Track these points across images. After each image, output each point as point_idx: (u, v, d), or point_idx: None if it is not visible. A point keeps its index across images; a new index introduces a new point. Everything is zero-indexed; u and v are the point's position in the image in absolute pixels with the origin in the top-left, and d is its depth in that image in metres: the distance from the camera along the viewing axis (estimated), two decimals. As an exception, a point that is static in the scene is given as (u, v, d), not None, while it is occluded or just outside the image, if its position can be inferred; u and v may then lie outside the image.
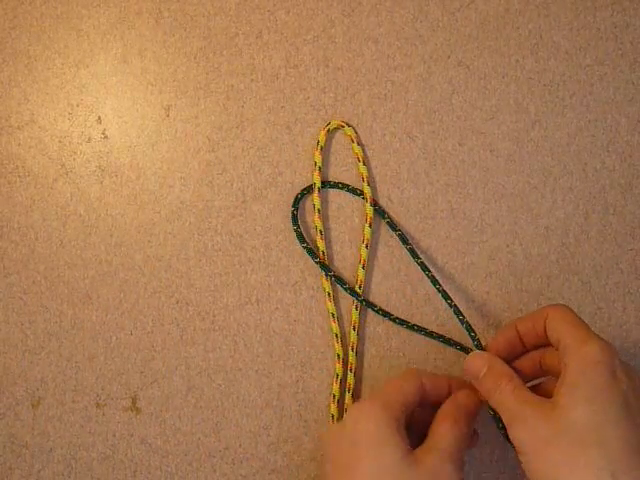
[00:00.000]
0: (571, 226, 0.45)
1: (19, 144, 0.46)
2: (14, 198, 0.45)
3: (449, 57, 0.46)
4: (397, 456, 0.33)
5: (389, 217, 0.44)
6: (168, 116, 0.46)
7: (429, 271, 0.42)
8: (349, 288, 0.43)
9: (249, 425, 0.44)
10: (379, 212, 0.44)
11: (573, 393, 0.32)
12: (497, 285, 0.45)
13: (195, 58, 0.46)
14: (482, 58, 0.46)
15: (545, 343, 0.37)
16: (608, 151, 0.46)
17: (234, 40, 0.46)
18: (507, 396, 0.35)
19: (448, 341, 0.44)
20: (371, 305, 0.44)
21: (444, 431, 0.35)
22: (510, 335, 0.38)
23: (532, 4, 0.46)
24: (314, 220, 0.44)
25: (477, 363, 0.37)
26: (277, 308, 0.45)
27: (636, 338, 0.45)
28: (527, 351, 0.39)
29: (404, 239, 0.44)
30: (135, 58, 0.46)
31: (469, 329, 0.40)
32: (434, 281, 0.42)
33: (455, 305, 0.41)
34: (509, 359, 0.38)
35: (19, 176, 0.45)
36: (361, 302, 0.44)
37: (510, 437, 0.34)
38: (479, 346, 0.40)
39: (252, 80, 0.46)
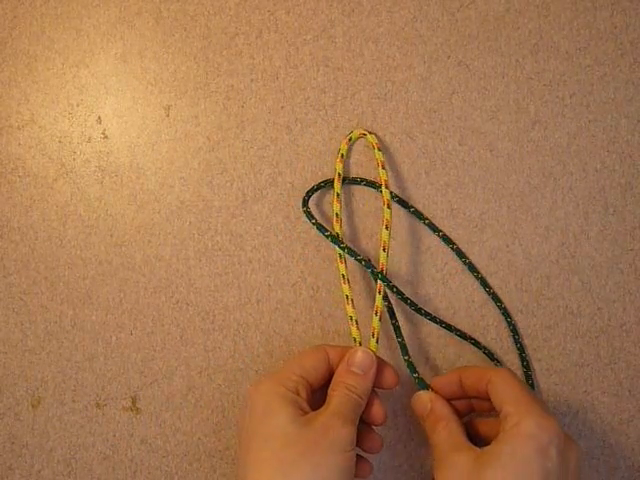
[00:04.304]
0: (571, 226, 0.45)
1: (19, 144, 0.46)
2: (14, 198, 0.45)
3: (449, 57, 0.46)
4: (285, 421, 0.35)
5: (415, 208, 0.45)
6: (168, 116, 0.46)
7: (477, 272, 0.45)
8: (363, 259, 0.41)
9: (249, 425, 0.44)
10: (403, 204, 0.45)
11: (499, 457, 0.34)
12: (497, 285, 0.45)
13: (195, 58, 0.46)
14: (482, 58, 0.46)
15: (485, 398, 0.39)
16: (608, 151, 0.46)
17: (234, 40, 0.46)
18: (441, 440, 0.37)
19: (464, 335, 0.44)
20: (395, 288, 0.42)
21: (335, 394, 0.37)
22: (452, 381, 0.40)
23: (532, 4, 0.46)
24: (333, 227, 0.43)
25: (420, 403, 0.40)
26: (277, 308, 0.45)
27: (636, 338, 0.45)
28: (466, 396, 0.41)
29: (434, 228, 0.45)
30: (135, 58, 0.46)
31: (412, 369, 0.41)
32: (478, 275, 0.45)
33: (402, 342, 0.41)
34: (451, 398, 0.40)
35: (19, 176, 0.45)
36: (382, 281, 0.41)
37: (435, 477, 0.36)
38: (422, 383, 0.40)
39: (252, 80, 0.46)
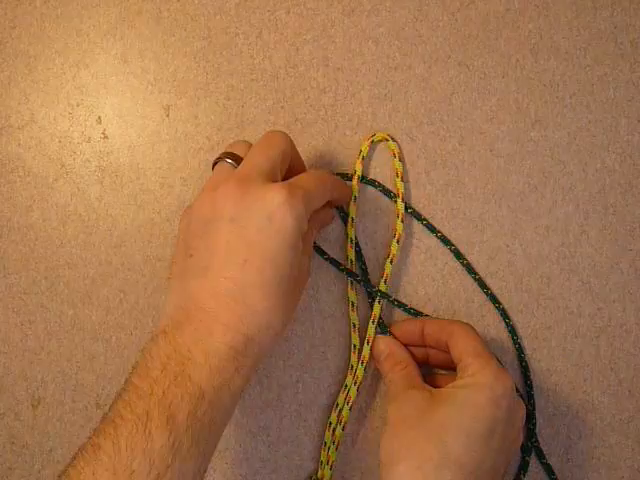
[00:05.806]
0: (571, 226, 0.45)
1: (19, 144, 0.46)
2: (14, 198, 0.45)
3: (449, 57, 0.46)
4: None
5: (413, 208, 0.45)
6: (168, 116, 0.46)
7: (475, 273, 0.45)
8: (362, 279, 0.43)
9: (249, 425, 0.44)
10: (414, 215, 0.45)
11: (454, 399, 0.36)
12: (497, 285, 0.45)
13: (195, 58, 0.46)
14: (482, 58, 0.46)
15: (443, 350, 0.41)
16: (608, 151, 0.46)
17: (234, 40, 0.46)
18: (398, 378, 0.40)
19: None
20: (389, 297, 0.44)
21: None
22: (415, 329, 0.42)
23: (532, 4, 0.46)
24: (347, 230, 0.44)
25: (377, 348, 0.43)
26: (277, 308, 0.45)
27: (636, 338, 0.45)
28: (424, 345, 0.43)
29: (432, 229, 0.45)
30: (135, 58, 0.46)
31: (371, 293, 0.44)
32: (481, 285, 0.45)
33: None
34: (408, 345, 0.43)
35: (19, 176, 0.45)
36: (376, 293, 0.43)
37: (388, 410, 0.38)
38: (383, 327, 0.43)
39: (252, 80, 0.46)
